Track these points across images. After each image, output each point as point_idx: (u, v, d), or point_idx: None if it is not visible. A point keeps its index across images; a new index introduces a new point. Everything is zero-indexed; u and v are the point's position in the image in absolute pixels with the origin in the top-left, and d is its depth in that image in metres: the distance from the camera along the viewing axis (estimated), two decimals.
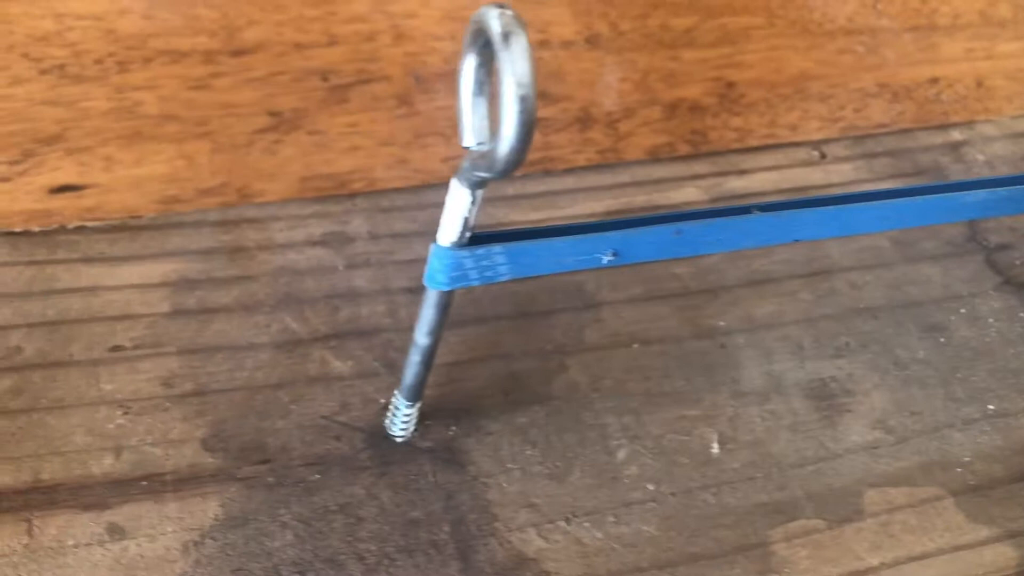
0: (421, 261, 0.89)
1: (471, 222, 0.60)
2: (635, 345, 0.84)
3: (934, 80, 1.28)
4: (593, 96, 1.19)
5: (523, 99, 0.49)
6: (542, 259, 0.63)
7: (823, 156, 1.03)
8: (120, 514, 0.70)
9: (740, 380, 0.82)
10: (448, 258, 0.61)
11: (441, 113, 1.15)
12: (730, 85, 1.24)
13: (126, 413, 0.76)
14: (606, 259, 0.64)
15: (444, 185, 1.03)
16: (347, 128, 1.11)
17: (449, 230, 0.60)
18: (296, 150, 1.07)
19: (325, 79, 1.19)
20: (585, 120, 1.15)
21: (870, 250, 0.93)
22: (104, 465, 0.73)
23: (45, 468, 0.72)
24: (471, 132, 0.56)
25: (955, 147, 1.06)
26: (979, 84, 1.28)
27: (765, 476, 0.76)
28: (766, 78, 1.26)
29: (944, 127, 1.09)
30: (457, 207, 0.59)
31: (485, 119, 0.56)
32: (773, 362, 0.84)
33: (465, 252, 0.61)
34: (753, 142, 1.13)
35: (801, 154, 1.04)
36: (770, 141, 1.13)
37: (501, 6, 0.50)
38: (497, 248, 0.62)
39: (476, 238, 0.62)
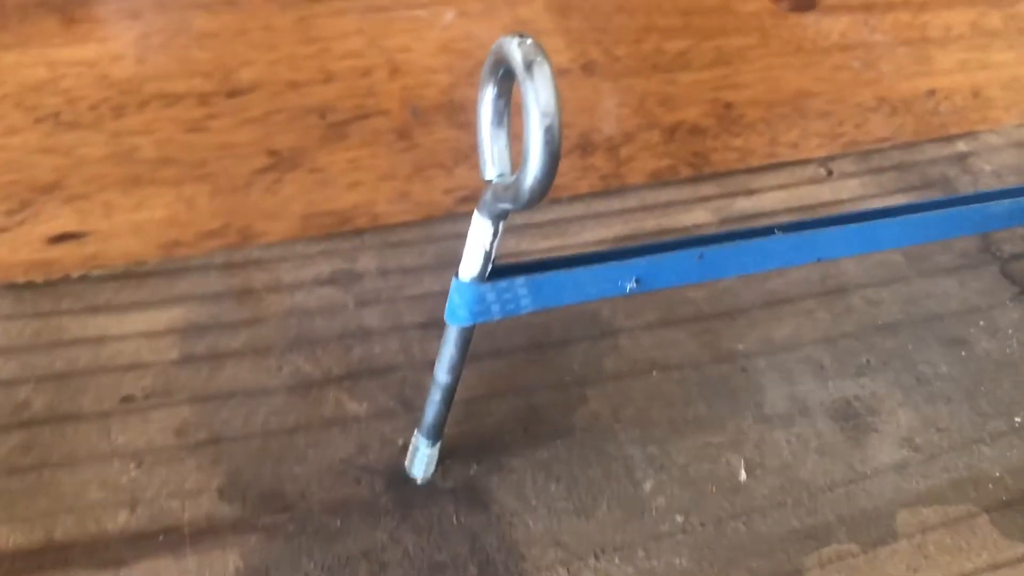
0: (432, 295, 0.89)
1: (493, 255, 0.58)
2: (655, 372, 0.82)
3: (931, 92, 1.28)
4: (592, 122, 1.19)
5: (549, 129, 0.48)
6: (565, 290, 0.62)
7: (830, 173, 1.02)
8: (138, 571, 0.68)
9: (763, 404, 0.81)
10: (470, 293, 0.60)
11: (441, 145, 1.14)
12: (728, 106, 1.24)
13: (140, 465, 0.74)
14: (629, 287, 0.63)
15: (451, 217, 1.02)
16: (347, 164, 1.10)
17: (471, 264, 0.59)
18: (297, 188, 1.06)
19: (323, 116, 1.19)
20: (586, 147, 1.15)
21: (884, 265, 0.92)
22: (119, 521, 0.71)
23: (58, 526, 0.70)
24: (492, 164, 0.55)
25: (961, 158, 1.05)
26: (976, 94, 1.28)
27: (795, 501, 0.75)
28: (763, 97, 1.26)
29: (949, 139, 1.09)
30: (479, 240, 0.57)
31: (506, 150, 0.55)
32: (795, 384, 0.82)
33: (487, 286, 0.60)
34: (755, 162, 1.13)
35: (808, 172, 1.03)
36: (772, 160, 1.13)
37: (521, 35, 0.49)
38: (519, 280, 0.60)
39: (497, 271, 0.60)
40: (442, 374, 0.67)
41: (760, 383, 0.82)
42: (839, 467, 0.77)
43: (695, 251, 0.63)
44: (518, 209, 0.52)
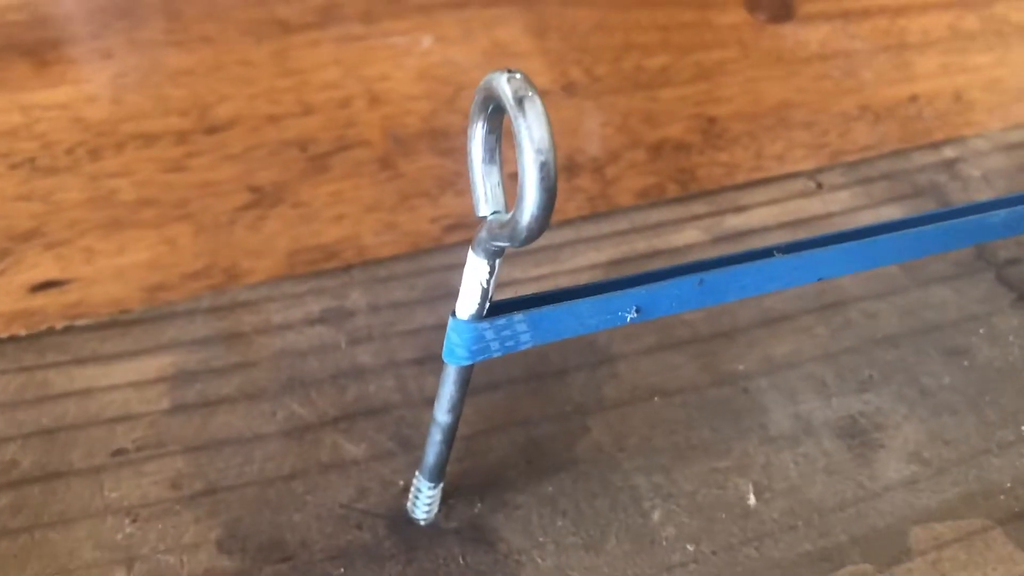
0: (425, 330, 0.87)
1: (490, 293, 0.57)
2: (656, 398, 0.81)
3: (913, 98, 1.28)
4: (576, 143, 1.18)
5: (543, 166, 0.47)
6: (564, 323, 0.60)
7: (819, 186, 1.02)
8: None
9: (768, 425, 0.80)
10: (468, 332, 0.58)
11: (425, 173, 1.13)
12: (711, 120, 1.23)
13: (135, 521, 0.72)
14: (629, 317, 0.62)
15: (440, 249, 1.01)
16: (331, 197, 1.09)
17: (468, 302, 0.57)
18: (281, 224, 1.05)
19: (303, 149, 1.17)
20: (571, 168, 1.14)
21: (879, 277, 0.92)
22: None
23: None
24: (486, 202, 0.54)
25: (949, 164, 1.05)
26: (958, 98, 1.28)
27: (806, 523, 0.74)
28: (746, 110, 1.25)
29: (936, 145, 1.09)
30: (475, 278, 0.56)
31: (499, 187, 0.54)
32: (799, 403, 0.81)
33: (485, 324, 0.58)
34: (741, 176, 1.12)
35: (798, 185, 1.02)
36: (758, 175, 1.12)
37: (510, 71, 0.48)
38: (518, 316, 0.59)
39: (494, 307, 0.59)
40: (442, 414, 0.65)
41: (763, 403, 0.81)
42: (848, 486, 0.76)
43: (695, 277, 0.62)
44: (515, 247, 0.51)
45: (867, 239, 0.65)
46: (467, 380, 0.64)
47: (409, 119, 1.22)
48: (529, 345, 0.61)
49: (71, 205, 1.08)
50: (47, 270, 0.98)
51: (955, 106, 1.27)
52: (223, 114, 1.21)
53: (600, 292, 0.61)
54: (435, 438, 0.67)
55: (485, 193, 0.54)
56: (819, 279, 0.66)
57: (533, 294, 0.61)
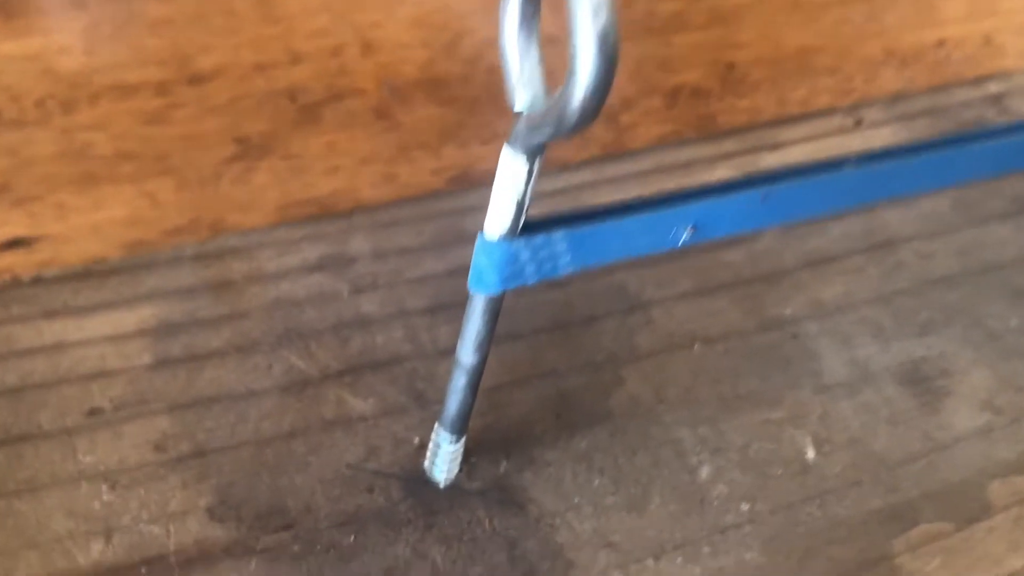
0: (436, 277, 0.78)
1: (527, 204, 0.48)
2: (696, 346, 0.73)
3: (941, 42, 1.20)
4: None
5: (603, 33, 0.38)
6: (610, 244, 0.52)
7: (859, 122, 0.94)
8: None
9: (822, 372, 0.71)
10: (500, 253, 0.50)
11: (424, 123, 1.04)
12: (730, 67, 1.15)
13: (113, 488, 0.63)
14: (684, 237, 0.53)
15: (448, 193, 0.92)
16: (324, 149, 1.00)
17: (500, 216, 0.49)
18: (270, 177, 0.96)
19: (293, 99, 1.08)
20: None
21: (931, 217, 0.84)
22: (92, 553, 0.60)
23: (20, 566, 0.59)
24: (523, 87, 0.45)
25: (996, 99, 0.97)
26: (987, 42, 1.21)
27: (872, 478, 0.66)
28: (766, 56, 1.17)
29: (979, 81, 1.01)
30: (510, 183, 0.47)
31: (539, 65, 0.45)
32: (854, 348, 0.73)
33: (520, 242, 0.50)
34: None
35: (835, 122, 0.94)
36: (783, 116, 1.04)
37: None
38: (558, 234, 0.50)
39: (529, 225, 0.51)
40: (467, 354, 0.56)
41: (815, 350, 0.73)
42: (915, 437, 0.68)
43: (759, 191, 0.53)
44: (563, 135, 0.43)
45: (952, 150, 0.57)
46: (496, 314, 0.55)
47: (405, 67, 1.12)
48: (569, 270, 0.53)
49: (41, 159, 0.99)
50: (15, 227, 0.89)
51: (985, 50, 1.20)
52: (206, 64, 1.12)
53: (650, 208, 0.53)
54: (458, 383, 0.58)
55: (522, 75, 0.45)
56: (893, 196, 0.58)
57: (573, 210, 0.53)
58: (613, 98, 1.17)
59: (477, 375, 0.58)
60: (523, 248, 0.50)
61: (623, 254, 0.53)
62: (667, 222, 0.52)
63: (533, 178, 0.47)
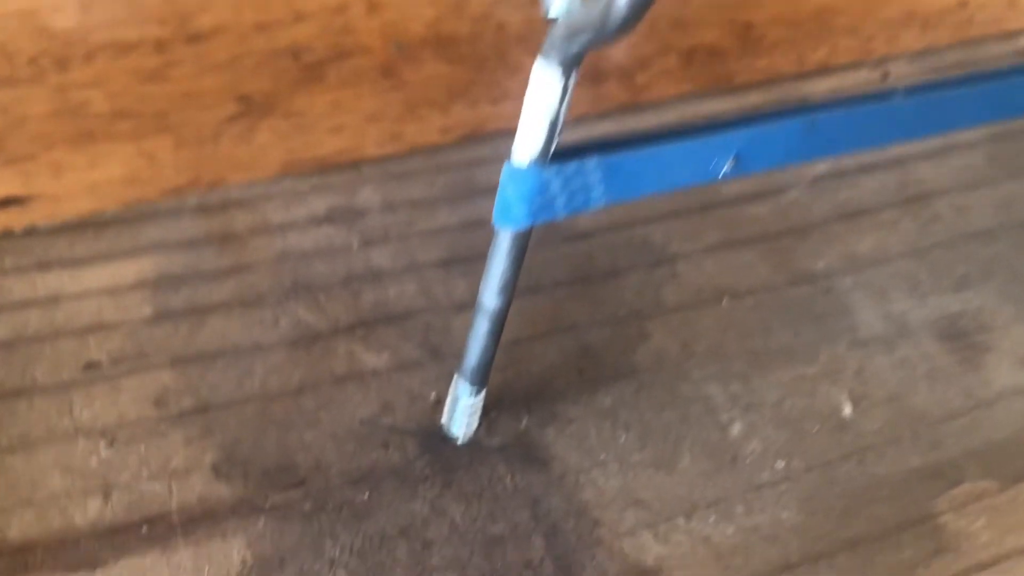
0: (449, 230, 0.75)
1: (560, 124, 0.45)
2: (724, 300, 0.69)
3: (963, 3, 1.17)
4: (600, 50, 1.06)
5: None
6: (646, 174, 0.49)
7: (886, 75, 0.90)
8: (118, 572, 0.54)
9: (857, 327, 0.68)
10: (529, 180, 0.46)
11: (432, 82, 1.00)
12: (747, 26, 1.11)
13: (111, 444, 0.59)
14: (725, 168, 0.50)
15: (460, 145, 0.89)
16: (329, 107, 0.96)
17: (530, 138, 0.45)
18: (273, 135, 0.92)
19: (296, 58, 1.04)
20: (596, 76, 1.01)
21: (966, 170, 0.80)
22: (90, 512, 0.56)
23: (13, 523, 0.55)
24: None
25: None
26: (1011, 3, 1.17)
27: (912, 436, 0.62)
28: (785, 16, 1.13)
29: (1010, 35, 0.97)
30: (543, 102, 0.44)
31: None
32: (890, 303, 0.70)
33: (552, 170, 0.46)
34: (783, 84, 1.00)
35: (862, 75, 0.91)
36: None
37: None
38: (591, 162, 0.47)
39: (560, 153, 0.47)
40: (490, 297, 0.53)
41: (849, 304, 0.69)
42: (956, 393, 0.65)
43: (805, 119, 0.50)
44: (605, 39, 0.39)
45: (1010, 81, 0.53)
46: (523, 252, 0.52)
47: (412, 25, 1.09)
48: (601, 203, 0.49)
49: (35, 118, 0.95)
50: (8, 186, 0.85)
51: (1009, 12, 1.16)
52: (205, 22, 1.08)
53: (690, 136, 0.49)
54: (480, 329, 0.55)
55: None
56: (945, 129, 0.54)
57: (606, 137, 0.49)
58: (628, 57, 1.13)
59: (500, 321, 0.55)
60: (554, 176, 0.46)
61: (660, 187, 0.49)
62: (707, 151, 0.49)
63: (568, 95, 0.44)
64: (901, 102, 0.52)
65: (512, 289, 0.53)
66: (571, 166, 0.47)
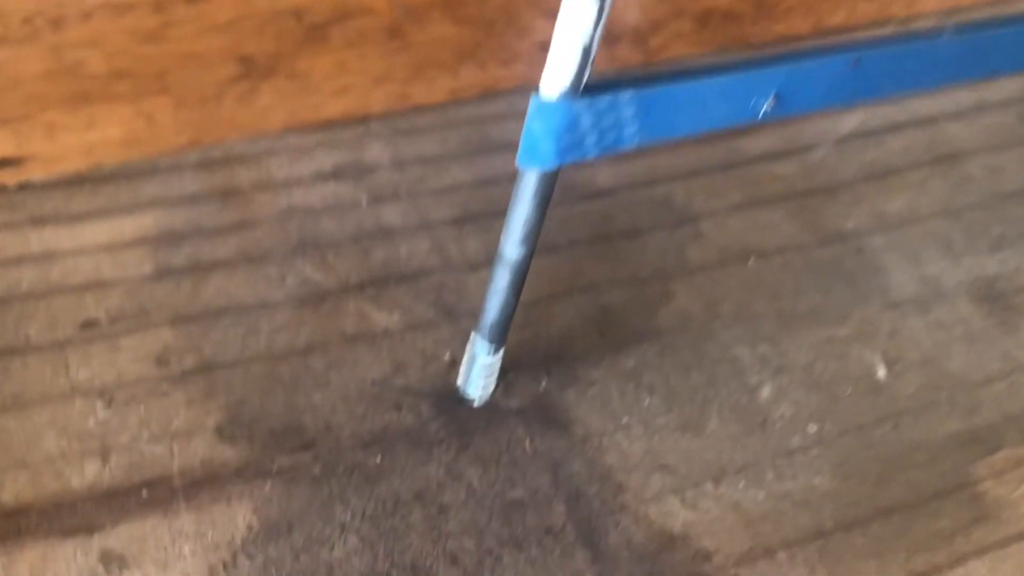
0: (463, 187, 0.71)
1: (594, 51, 0.42)
2: (751, 260, 0.67)
3: None
4: (613, 11, 1.02)
5: None
6: (683, 111, 0.46)
7: None
8: (116, 537, 0.51)
9: (890, 288, 0.65)
10: (559, 115, 0.43)
11: (439, 43, 0.97)
12: None
13: (109, 404, 0.56)
14: (764, 107, 0.47)
15: (473, 100, 0.86)
16: (333, 69, 0.93)
17: (561, 67, 0.42)
18: (276, 97, 0.89)
19: (299, 18, 1.00)
20: (608, 38, 0.98)
21: (998, 129, 0.77)
22: (87, 474, 0.53)
23: (6, 486, 0.53)
24: None
25: None
26: None
27: (949, 400, 0.60)
28: None
29: None
30: (575, 24, 0.41)
31: None
32: (923, 264, 0.67)
33: (583, 104, 0.43)
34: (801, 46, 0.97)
35: (887, 32, 0.87)
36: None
37: None
38: (625, 96, 0.44)
39: (591, 87, 0.44)
40: (512, 247, 0.50)
41: (881, 264, 0.67)
42: (994, 356, 0.62)
43: (850, 57, 0.47)
44: None
45: None
46: (548, 197, 0.48)
47: None
48: (634, 143, 0.46)
49: (30, 78, 0.92)
50: (1, 148, 0.82)
51: None
52: None
53: (729, 72, 0.46)
54: (500, 282, 0.52)
55: None
56: (992, 73, 0.51)
57: (641, 71, 0.46)
58: (641, 20, 1.09)
59: (522, 273, 0.52)
60: (585, 111, 0.43)
61: (697, 126, 0.46)
62: (747, 88, 0.46)
63: (604, 16, 0.41)
64: (949, 42, 0.49)
65: (535, 238, 0.50)
66: (604, 100, 0.44)
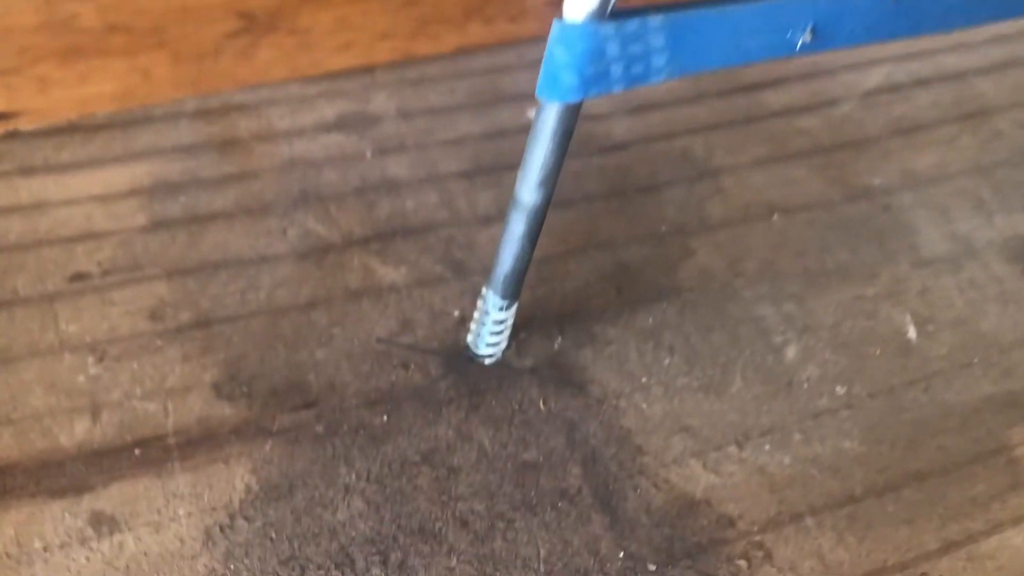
0: (472, 140, 0.68)
1: None
2: (775, 216, 0.64)
3: None
4: None
5: None
6: (716, 41, 0.42)
7: None
8: (107, 498, 0.48)
9: (919, 246, 0.62)
10: (584, 41, 0.40)
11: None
12: None
13: (101, 360, 0.53)
14: (800, 40, 0.43)
15: (482, 50, 0.82)
16: (335, 24, 0.89)
17: None
18: (276, 53, 0.86)
19: None
20: None
21: None
22: (77, 432, 0.50)
23: None
24: None
25: None
26: None
27: (983, 362, 0.57)
28: None
29: None
30: None
31: None
32: (953, 221, 0.64)
33: (609, 29, 0.40)
34: None
35: None
36: None
37: None
38: (655, 22, 0.41)
39: (619, 13, 0.41)
40: (528, 191, 0.47)
41: (910, 222, 0.64)
42: None
43: None
44: None
45: None
46: (569, 134, 0.45)
47: None
48: (662, 76, 0.43)
49: (21, 30, 0.88)
50: None
51: None
52: None
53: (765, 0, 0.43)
54: (515, 231, 0.49)
55: None
56: None
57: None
58: None
59: (539, 220, 0.48)
60: (612, 36, 0.40)
61: (731, 58, 0.43)
62: (783, 18, 0.43)
63: None
64: None
65: (554, 182, 0.47)
66: (632, 24, 0.40)
